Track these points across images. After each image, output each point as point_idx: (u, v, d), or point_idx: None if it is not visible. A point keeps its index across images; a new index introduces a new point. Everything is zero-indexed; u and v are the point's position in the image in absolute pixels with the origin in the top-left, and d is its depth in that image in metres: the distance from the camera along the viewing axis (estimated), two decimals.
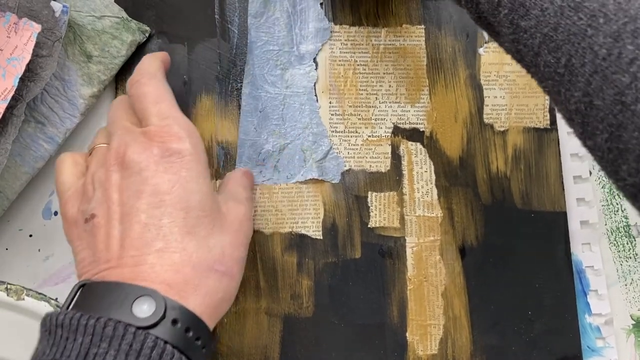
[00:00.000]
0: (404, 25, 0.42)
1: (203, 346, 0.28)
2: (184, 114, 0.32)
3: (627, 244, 0.41)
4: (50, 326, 0.26)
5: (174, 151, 0.30)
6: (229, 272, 0.30)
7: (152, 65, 0.34)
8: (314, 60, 0.41)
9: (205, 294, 0.28)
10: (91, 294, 0.27)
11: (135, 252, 0.28)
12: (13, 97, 0.35)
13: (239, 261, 0.31)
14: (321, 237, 0.39)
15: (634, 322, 0.41)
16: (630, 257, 0.41)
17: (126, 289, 0.26)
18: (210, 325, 0.29)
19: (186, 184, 0.29)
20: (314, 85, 0.41)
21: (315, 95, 0.41)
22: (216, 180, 0.40)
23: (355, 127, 0.41)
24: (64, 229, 0.31)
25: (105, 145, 0.32)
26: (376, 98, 0.41)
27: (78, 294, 0.28)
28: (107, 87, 0.40)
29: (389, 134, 0.41)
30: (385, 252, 0.40)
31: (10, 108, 0.35)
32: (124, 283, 0.27)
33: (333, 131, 0.41)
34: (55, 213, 0.39)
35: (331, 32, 0.42)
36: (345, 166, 0.40)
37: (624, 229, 0.42)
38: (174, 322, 0.26)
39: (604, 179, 0.42)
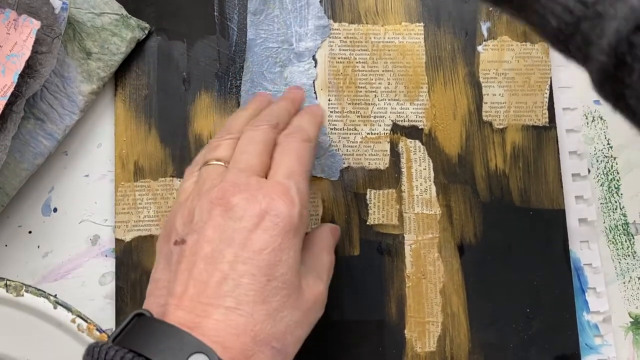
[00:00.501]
0: (403, 23, 0.42)
1: None
2: (308, 186, 0.31)
3: (626, 241, 0.41)
4: (97, 358, 0.25)
5: (279, 213, 0.28)
6: (284, 351, 0.29)
7: (312, 129, 0.34)
8: (313, 57, 0.41)
9: None
10: (148, 332, 0.26)
11: (206, 300, 0.27)
12: (12, 94, 0.35)
13: (299, 340, 0.30)
14: None
15: (632, 320, 0.41)
16: (629, 255, 0.41)
17: (185, 338, 0.25)
18: None
19: (279, 252, 0.28)
20: (313, 82, 0.41)
21: (315, 93, 0.41)
22: None
23: (354, 124, 0.41)
24: (159, 235, 0.31)
25: (222, 165, 0.31)
26: (375, 95, 0.41)
27: (133, 323, 0.27)
28: (107, 84, 0.40)
29: (388, 132, 0.41)
30: (384, 249, 0.40)
31: (9, 104, 0.35)
32: (184, 332, 0.26)
33: (332, 128, 0.41)
34: (55, 210, 0.39)
35: (330, 29, 0.42)
36: (344, 163, 0.40)
37: (622, 226, 0.42)
38: None
39: (602, 176, 0.42)
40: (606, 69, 0.20)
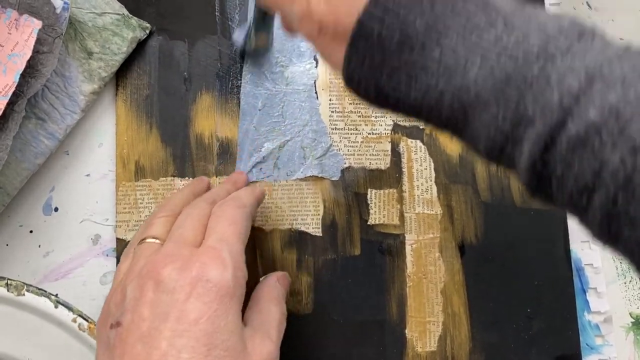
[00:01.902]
0: None
1: None
2: (244, 251, 0.30)
3: None
4: None
5: (212, 278, 0.27)
6: None
7: (247, 197, 0.34)
8: (314, 57, 0.41)
9: None
10: None
11: None
12: (14, 93, 0.35)
13: None
14: (321, 234, 0.40)
15: (633, 320, 0.41)
16: None
17: None
18: None
19: (215, 318, 0.27)
20: (314, 82, 0.41)
21: (316, 93, 0.41)
22: (216, 177, 0.40)
23: (355, 124, 0.41)
24: (97, 320, 0.30)
25: (156, 242, 0.31)
26: None
27: None
28: (108, 84, 0.40)
29: (389, 132, 0.41)
30: (385, 249, 0.40)
31: (10, 104, 0.35)
32: None
33: (333, 128, 0.41)
34: (56, 209, 0.39)
35: None
36: (345, 163, 0.40)
37: None
38: None
39: None
40: (531, 183, 0.22)
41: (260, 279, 0.35)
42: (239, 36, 0.40)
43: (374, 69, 0.24)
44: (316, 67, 0.41)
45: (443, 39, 0.23)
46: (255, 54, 0.41)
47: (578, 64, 0.21)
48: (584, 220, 0.22)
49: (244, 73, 0.41)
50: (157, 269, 0.28)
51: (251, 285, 0.34)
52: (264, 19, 0.37)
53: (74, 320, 0.35)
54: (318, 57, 0.41)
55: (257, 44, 0.39)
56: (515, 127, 0.22)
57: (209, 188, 0.37)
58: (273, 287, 0.34)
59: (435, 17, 0.23)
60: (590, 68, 0.21)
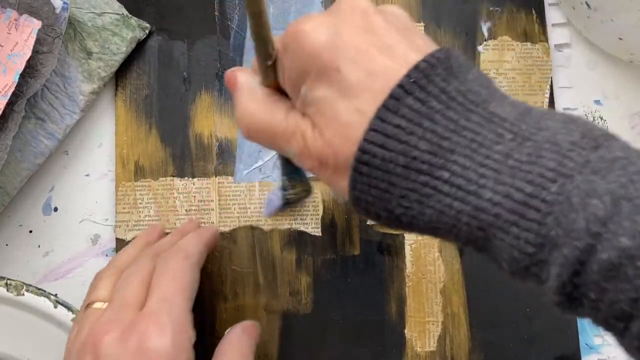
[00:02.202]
0: None
1: None
2: (189, 308, 0.30)
3: None
4: None
5: (151, 347, 0.27)
6: None
7: (194, 245, 0.32)
8: None
9: None
10: None
11: None
12: (13, 93, 0.35)
13: None
14: (320, 234, 0.40)
15: None
16: None
17: None
18: None
19: None
20: None
21: None
22: (216, 177, 0.40)
23: None
24: None
25: (100, 307, 0.30)
26: None
27: None
28: (107, 84, 0.40)
29: None
30: (384, 249, 0.40)
31: (10, 104, 0.35)
32: None
33: None
34: (55, 209, 0.39)
35: None
36: None
37: None
38: None
39: None
40: (562, 304, 0.22)
41: (226, 332, 0.33)
42: (273, 201, 0.35)
43: (382, 193, 0.23)
44: None
45: (450, 159, 0.21)
46: (298, 202, 0.38)
47: (601, 186, 0.20)
48: (621, 342, 0.21)
49: None
50: (96, 340, 0.27)
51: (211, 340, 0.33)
52: (289, 166, 0.33)
53: (74, 320, 0.35)
54: None
55: (296, 194, 0.34)
56: (540, 249, 0.21)
57: (162, 235, 0.36)
58: (237, 340, 0.32)
59: (438, 137, 0.22)
60: (614, 190, 0.20)
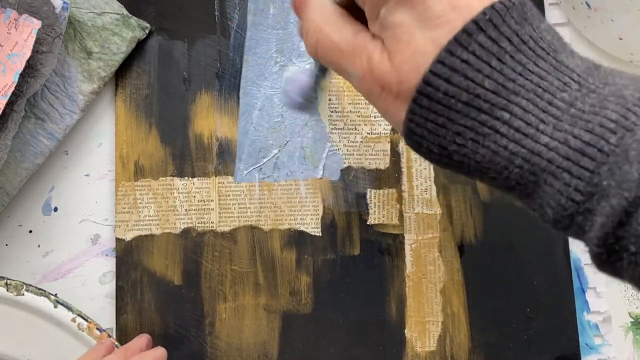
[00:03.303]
0: None
1: None
2: None
3: None
4: None
5: None
6: None
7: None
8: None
9: None
10: None
11: None
12: (13, 93, 0.35)
13: None
14: (320, 234, 0.40)
15: (632, 320, 0.41)
16: None
17: None
18: None
19: None
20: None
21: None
22: (216, 176, 0.40)
23: (354, 124, 0.41)
24: None
25: None
26: None
27: None
28: (107, 84, 0.40)
29: (388, 132, 0.41)
30: (384, 249, 0.40)
31: (10, 104, 0.35)
32: None
33: (332, 128, 0.41)
34: (55, 209, 0.39)
35: None
36: (344, 163, 0.40)
37: None
38: None
39: None
40: (600, 257, 0.21)
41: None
42: (295, 94, 0.34)
43: (438, 128, 0.23)
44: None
45: (513, 101, 0.21)
46: (309, 106, 0.37)
47: None
48: None
49: (243, 73, 0.41)
50: None
51: None
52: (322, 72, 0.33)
53: (74, 320, 0.35)
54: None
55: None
56: (588, 198, 0.21)
57: (111, 350, 0.35)
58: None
59: (504, 78, 0.22)
60: None
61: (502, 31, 0.22)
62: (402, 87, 0.23)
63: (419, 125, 0.23)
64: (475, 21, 0.21)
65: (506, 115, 0.21)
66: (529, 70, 0.22)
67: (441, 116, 0.22)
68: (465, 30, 0.21)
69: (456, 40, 0.21)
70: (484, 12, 0.21)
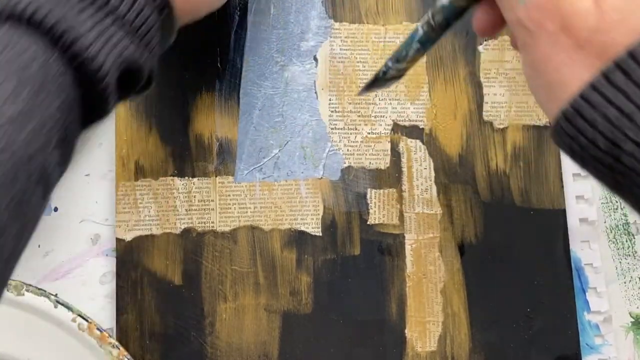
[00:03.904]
0: (403, 23, 0.42)
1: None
2: None
3: (627, 241, 0.41)
4: None
5: None
6: None
7: None
8: (314, 57, 0.41)
9: None
10: None
11: None
12: None
13: None
14: (320, 234, 0.40)
15: (632, 320, 0.41)
16: (630, 255, 0.41)
17: None
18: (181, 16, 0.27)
19: None
20: (314, 82, 0.41)
21: (315, 93, 0.41)
22: (216, 176, 0.40)
23: (354, 124, 0.41)
24: None
25: None
26: (375, 95, 0.41)
27: None
28: None
29: (389, 131, 0.41)
30: (385, 249, 0.40)
31: None
32: None
33: (333, 128, 0.41)
34: (55, 209, 0.39)
35: (332, 29, 0.42)
36: (344, 163, 0.40)
37: (623, 226, 0.42)
38: None
39: None
40: None
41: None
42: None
43: (620, 118, 0.17)
44: (316, 67, 0.41)
45: None
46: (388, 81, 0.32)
47: None
48: None
49: (243, 73, 0.41)
50: None
51: None
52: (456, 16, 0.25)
53: (74, 320, 0.35)
54: (318, 56, 0.41)
55: (398, 73, 0.29)
56: None
57: None
58: None
59: None
60: None
61: None
62: (598, 38, 0.17)
63: (595, 107, 0.17)
64: None
65: None
66: None
67: (633, 103, 0.17)
68: None
69: None
70: None
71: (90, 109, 0.25)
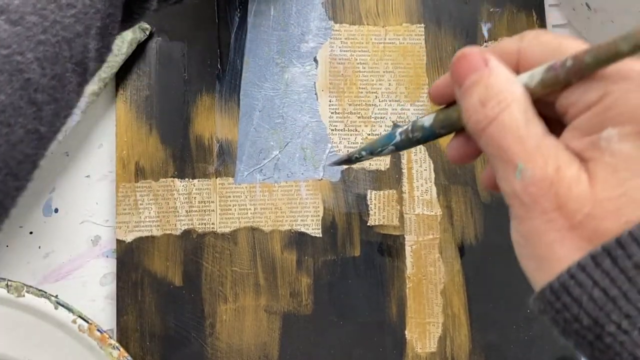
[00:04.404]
0: (403, 24, 0.42)
1: None
2: None
3: None
4: None
5: None
6: None
7: None
8: (314, 59, 0.41)
9: None
10: None
11: None
12: None
13: None
14: (320, 235, 0.40)
15: None
16: None
17: None
18: None
19: None
20: (314, 83, 0.41)
21: (315, 94, 0.41)
22: (216, 178, 0.40)
23: (355, 125, 0.41)
24: None
25: None
26: (376, 96, 0.41)
27: None
28: (108, 85, 0.40)
29: None
30: (385, 250, 0.40)
31: None
32: None
33: (333, 129, 0.41)
34: (56, 210, 0.39)
35: (332, 30, 0.42)
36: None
37: None
38: None
39: None
40: None
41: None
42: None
43: (605, 300, 0.18)
44: (316, 68, 0.41)
45: None
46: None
47: None
48: None
49: (244, 74, 0.41)
50: None
51: None
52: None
53: (74, 321, 0.35)
54: (318, 57, 0.41)
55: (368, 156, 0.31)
56: None
57: None
58: None
59: None
60: None
61: None
62: (590, 223, 0.19)
63: (582, 285, 0.18)
64: None
65: None
66: None
67: (618, 288, 0.18)
68: None
69: None
70: None
71: (130, 8, 0.27)
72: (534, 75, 0.21)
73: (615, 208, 0.18)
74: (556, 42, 0.21)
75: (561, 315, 0.19)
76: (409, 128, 0.26)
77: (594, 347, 0.19)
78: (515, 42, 0.22)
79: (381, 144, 0.28)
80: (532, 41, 0.22)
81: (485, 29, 0.42)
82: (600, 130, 0.19)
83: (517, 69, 0.22)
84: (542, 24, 0.43)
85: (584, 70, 0.19)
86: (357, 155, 0.30)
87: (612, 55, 0.18)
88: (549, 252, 0.19)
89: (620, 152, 0.19)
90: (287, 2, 0.42)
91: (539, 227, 0.20)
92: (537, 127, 0.20)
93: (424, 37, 0.42)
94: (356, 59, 0.42)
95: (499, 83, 0.21)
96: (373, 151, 0.29)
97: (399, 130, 0.27)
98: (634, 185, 0.18)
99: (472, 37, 0.42)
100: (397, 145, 0.28)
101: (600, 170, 0.19)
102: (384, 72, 0.42)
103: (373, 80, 0.41)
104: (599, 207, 0.19)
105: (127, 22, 0.28)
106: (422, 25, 0.42)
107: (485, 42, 0.42)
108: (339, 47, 0.42)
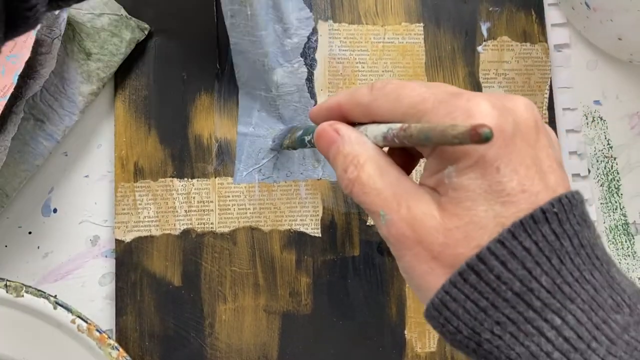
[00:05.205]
0: (402, 23, 0.42)
1: None
2: None
3: (626, 242, 0.41)
4: None
5: None
6: None
7: None
8: (301, 54, 0.41)
9: None
10: None
11: None
12: (12, 95, 0.35)
13: None
14: (320, 235, 0.40)
15: None
16: (629, 255, 0.41)
17: None
18: None
19: None
20: (305, 81, 0.41)
21: (309, 92, 0.41)
22: (215, 177, 0.40)
23: None
24: None
25: None
26: None
27: None
28: (106, 85, 0.40)
29: None
30: (384, 249, 0.40)
31: (9, 105, 0.35)
32: None
33: None
34: (55, 210, 0.39)
35: (312, 20, 0.41)
36: None
37: (622, 227, 0.42)
38: None
39: (602, 177, 0.42)
40: None
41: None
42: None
43: (477, 311, 0.21)
44: (304, 65, 0.41)
45: (567, 307, 0.20)
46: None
47: None
48: None
49: (237, 75, 0.41)
50: None
51: None
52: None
53: (73, 322, 0.35)
54: (317, 57, 0.41)
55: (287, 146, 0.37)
56: None
57: None
58: None
59: (562, 280, 0.20)
60: None
61: (566, 229, 0.21)
62: (447, 251, 0.21)
63: (455, 300, 0.21)
64: (543, 210, 0.20)
65: (557, 321, 0.20)
66: (585, 278, 0.20)
67: (485, 299, 0.20)
68: (532, 217, 0.20)
69: (522, 224, 0.20)
70: (552, 204, 0.21)
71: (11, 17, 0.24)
72: (376, 137, 0.24)
73: (464, 235, 0.21)
74: (395, 94, 0.24)
75: (446, 329, 0.22)
76: (307, 140, 0.32)
77: (478, 354, 0.21)
78: (367, 94, 0.25)
79: (299, 145, 0.34)
80: (378, 93, 0.24)
81: (484, 28, 0.42)
82: (443, 169, 0.22)
83: (372, 118, 0.25)
84: (541, 23, 0.43)
85: (412, 142, 0.22)
86: (285, 147, 0.36)
87: (440, 140, 0.21)
88: (424, 282, 0.22)
89: (460, 185, 0.21)
90: (262, 1, 0.39)
91: (411, 262, 0.22)
92: (390, 176, 0.23)
93: (423, 36, 0.42)
94: (355, 59, 0.42)
95: (352, 149, 0.24)
96: (294, 148, 0.35)
97: (307, 138, 0.32)
98: (476, 213, 0.21)
99: (471, 37, 0.42)
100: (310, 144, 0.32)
101: (447, 203, 0.21)
102: (383, 71, 0.41)
103: (372, 80, 0.41)
104: (451, 236, 0.21)
105: (14, 27, 0.24)
106: (421, 24, 0.42)
107: (485, 41, 0.42)
108: (338, 47, 0.42)
